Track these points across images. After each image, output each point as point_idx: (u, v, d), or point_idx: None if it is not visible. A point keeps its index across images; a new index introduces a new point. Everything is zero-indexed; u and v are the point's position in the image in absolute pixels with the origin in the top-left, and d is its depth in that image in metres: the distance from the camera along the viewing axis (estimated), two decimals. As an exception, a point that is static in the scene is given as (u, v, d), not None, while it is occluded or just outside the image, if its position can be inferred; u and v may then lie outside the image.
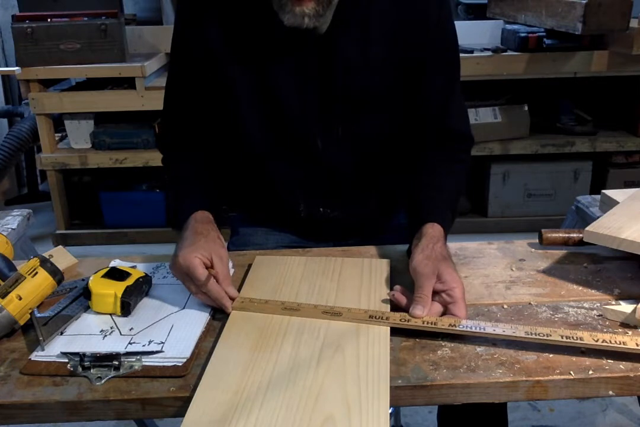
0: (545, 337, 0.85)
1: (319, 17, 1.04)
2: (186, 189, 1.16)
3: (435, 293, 0.93)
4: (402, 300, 0.94)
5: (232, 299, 0.97)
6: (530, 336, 0.86)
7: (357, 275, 1.05)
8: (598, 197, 1.31)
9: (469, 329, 0.88)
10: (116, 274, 1.00)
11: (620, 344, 0.84)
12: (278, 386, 0.79)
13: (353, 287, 1.01)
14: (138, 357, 0.86)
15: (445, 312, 0.92)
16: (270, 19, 1.08)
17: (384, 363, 0.82)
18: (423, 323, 0.89)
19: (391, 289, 0.98)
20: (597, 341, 0.84)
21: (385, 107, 1.18)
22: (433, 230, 1.03)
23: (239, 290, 1.01)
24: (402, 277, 1.04)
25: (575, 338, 0.85)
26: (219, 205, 1.17)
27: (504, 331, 0.87)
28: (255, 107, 1.16)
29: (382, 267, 1.07)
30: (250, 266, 1.10)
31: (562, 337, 0.85)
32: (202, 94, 1.18)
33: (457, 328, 0.88)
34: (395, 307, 0.95)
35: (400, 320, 0.90)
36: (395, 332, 0.90)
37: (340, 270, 1.07)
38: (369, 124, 1.18)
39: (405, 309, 0.92)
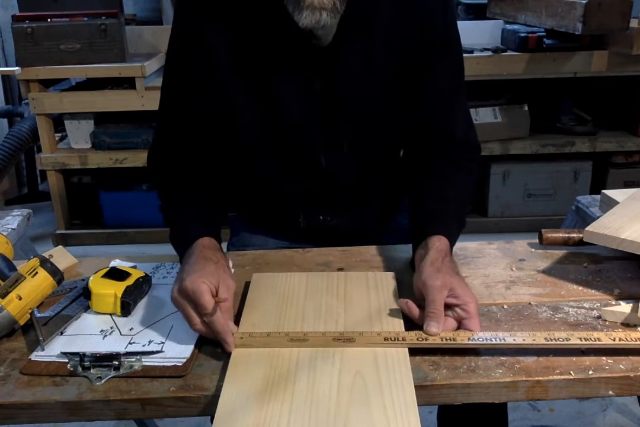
0: (565, 342, 0.85)
1: (337, 14, 1.01)
2: (189, 212, 1.09)
3: (448, 307, 0.90)
4: (415, 311, 0.91)
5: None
6: (550, 342, 0.85)
7: (364, 291, 1.00)
8: (598, 197, 1.31)
9: (489, 342, 0.85)
10: (116, 274, 1.00)
11: (637, 340, 0.85)
12: (299, 421, 0.73)
13: (361, 305, 0.96)
14: (138, 357, 0.86)
15: (459, 327, 0.90)
16: (274, 31, 1.06)
17: (408, 387, 0.78)
18: (442, 340, 0.86)
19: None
20: (614, 340, 0.85)
21: (390, 119, 1.15)
22: (440, 243, 0.99)
23: (239, 312, 0.96)
24: (404, 277, 1.04)
25: (593, 340, 0.85)
26: (220, 229, 1.10)
27: (524, 340, 0.85)
28: (257, 119, 1.13)
29: (387, 281, 1.03)
30: (249, 263, 1.10)
31: (581, 339, 0.85)
32: (200, 104, 1.13)
33: (477, 342, 0.86)
34: (410, 323, 0.91)
35: (418, 339, 0.86)
36: (412, 351, 0.86)
37: (344, 286, 1.02)
38: (374, 136, 1.16)
39: (418, 322, 0.90)
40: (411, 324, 0.91)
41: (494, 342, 0.86)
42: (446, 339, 0.86)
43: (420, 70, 1.12)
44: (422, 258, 0.98)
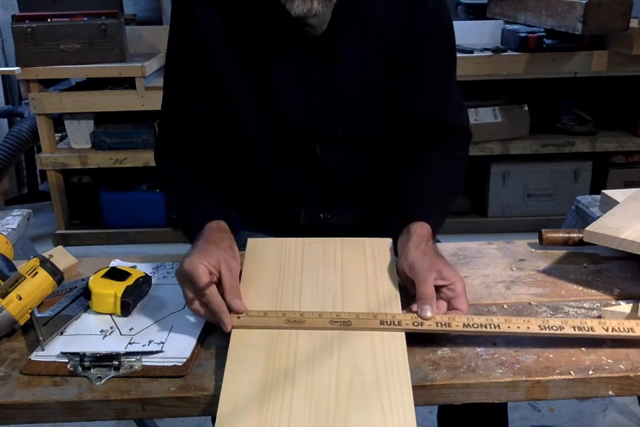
0: (558, 331, 0.85)
1: (328, 2, 1.03)
2: (196, 200, 1.11)
3: (437, 289, 0.92)
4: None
5: (239, 313, 0.89)
6: (544, 331, 0.85)
7: (360, 261, 1.01)
8: (598, 197, 1.31)
9: (484, 329, 0.86)
10: (116, 274, 1.00)
11: (628, 331, 0.85)
12: (299, 420, 0.74)
13: (358, 277, 0.97)
14: (138, 357, 0.86)
15: (448, 307, 0.91)
16: (267, 19, 1.07)
17: (406, 386, 0.78)
18: (437, 325, 0.87)
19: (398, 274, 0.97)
20: (607, 329, 0.85)
21: (387, 109, 1.17)
22: (422, 229, 1.01)
23: None
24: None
25: (587, 329, 0.85)
26: (231, 212, 1.13)
27: (518, 328, 0.86)
28: (255, 113, 1.14)
29: (384, 248, 1.04)
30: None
31: (574, 328, 0.86)
32: (201, 99, 1.16)
33: (472, 328, 0.86)
34: (407, 299, 0.93)
35: (413, 324, 0.87)
36: (411, 345, 0.86)
37: (341, 256, 1.02)
38: (370, 127, 1.17)
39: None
40: (408, 301, 0.93)
41: (488, 329, 0.86)
42: (441, 324, 0.87)
43: (413, 56, 1.13)
44: (404, 244, 0.99)
